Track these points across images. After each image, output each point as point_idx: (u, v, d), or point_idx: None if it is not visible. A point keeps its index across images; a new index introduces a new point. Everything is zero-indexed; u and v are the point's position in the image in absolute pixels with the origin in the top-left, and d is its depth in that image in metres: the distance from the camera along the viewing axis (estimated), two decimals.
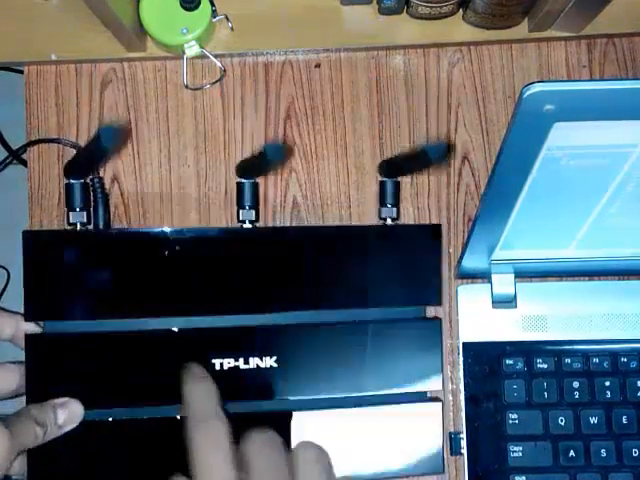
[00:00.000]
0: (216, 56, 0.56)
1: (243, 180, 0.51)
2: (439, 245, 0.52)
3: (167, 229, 0.47)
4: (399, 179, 0.53)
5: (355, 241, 0.49)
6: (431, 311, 0.53)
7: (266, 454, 0.37)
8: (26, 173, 0.56)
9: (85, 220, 0.49)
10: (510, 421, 0.51)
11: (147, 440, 0.45)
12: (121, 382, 0.44)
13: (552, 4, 0.51)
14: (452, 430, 0.52)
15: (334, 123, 0.56)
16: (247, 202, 0.51)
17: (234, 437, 0.37)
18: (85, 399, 0.43)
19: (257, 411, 0.46)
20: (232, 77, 0.57)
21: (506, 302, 0.53)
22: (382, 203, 0.52)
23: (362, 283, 0.49)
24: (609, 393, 0.51)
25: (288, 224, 0.55)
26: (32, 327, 0.45)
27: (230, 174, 0.56)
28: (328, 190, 0.56)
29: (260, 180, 0.56)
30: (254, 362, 0.46)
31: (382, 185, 0.53)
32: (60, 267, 0.45)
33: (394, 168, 0.52)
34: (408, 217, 0.55)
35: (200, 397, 0.39)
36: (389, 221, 0.52)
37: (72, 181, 0.48)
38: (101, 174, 0.56)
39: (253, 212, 0.51)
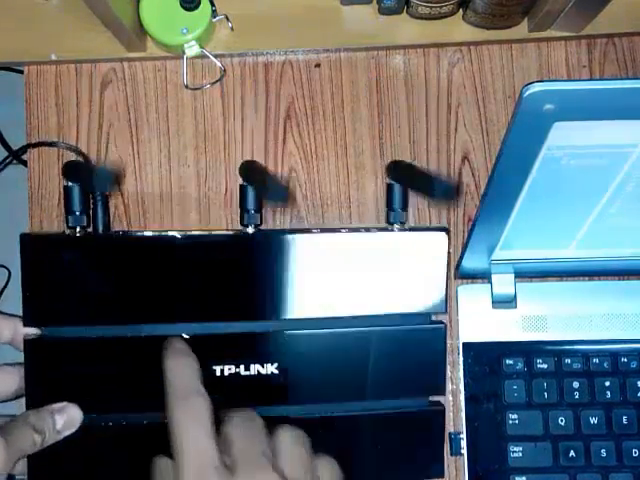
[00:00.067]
0: (216, 56, 0.56)
1: (247, 184, 0.50)
2: (446, 250, 0.50)
3: (167, 234, 0.47)
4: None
5: (360, 247, 0.48)
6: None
7: (247, 433, 0.36)
8: (26, 173, 0.56)
9: (84, 223, 0.48)
10: (510, 421, 0.51)
11: (147, 444, 0.45)
12: (121, 387, 0.44)
13: (552, 4, 0.51)
14: (452, 430, 0.52)
15: (334, 123, 0.56)
16: (251, 206, 0.49)
17: (215, 421, 0.37)
18: (84, 403, 0.43)
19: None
20: (232, 77, 0.57)
21: (506, 302, 0.53)
22: (390, 206, 0.50)
23: (367, 289, 0.48)
24: (609, 393, 0.51)
25: (288, 224, 0.55)
26: (31, 330, 0.45)
27: (230, 174, 0.56)
28: (328, 190, 0.56)
29: None
30: (255, 369, 0.45)
31: (390, 188, 0.51)
32: (59, 272, 0.44)
33: (402, 176, 0.50)
34: (408, 217, 0.55)
35: (181, 373, 0.38)
36: (397, 225, 0.50)
37: (70, 184, 0.47)
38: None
39: (258, 216, 0.49)
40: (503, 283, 0.52)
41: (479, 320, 0.53)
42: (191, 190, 0.56)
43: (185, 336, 0.44)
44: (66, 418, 0.41)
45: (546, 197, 0.44)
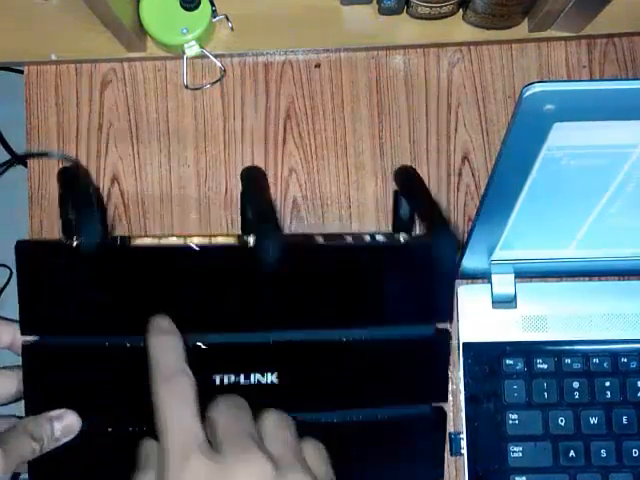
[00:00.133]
0: (216, 56, 0.56)
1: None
2: (454, 260, 0.49)
3: (166, 243, 0.45)
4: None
5: (366, 258, 0.44)
6: None
7: (232, 416, 0.36)
8: (26, 173, 0.56)
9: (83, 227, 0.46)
10: (510, 421, 0.51)
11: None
12: (119, 394, 0.44)
13: (552, 4, 0.51)
14: (452, 430, 0.52)
15: (334, 123, 0.56)
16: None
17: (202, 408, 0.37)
18: (83, 409, 0.43)
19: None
20: (232, 77, 0.57)
21: (506, 302, 0.53)
22: (396, 214, 0.47)
23: (370, 301, 0.47)
24: (609, 393, 0.51)
25: (288, 224, 0.55)
26: (29, 336, 0.45)
27: (230, 174, 0.56)
28: (328, 190, 0.56)
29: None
30: (255, 378, 0.45)
31: (397, 195, 0.47)
32: (55, 279, 0.43)
33: (405, 193, 0.46)
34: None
35: (165, 352, 0.38)
36: (403, 235, 0.46)
37: (66, 191, 0.46)
38: (100, 177, 0.56)
39: None
40: (503, 283, 0.52)
41: (479, 320, 0.53)
42: (191, 190, 0.56)
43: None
44: (64, 425, 0.41)
45: (546, 197, 0.44)
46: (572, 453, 0.51)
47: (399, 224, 0.47)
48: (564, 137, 0.39)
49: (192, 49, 0.54)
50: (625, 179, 0.43)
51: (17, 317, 0.45)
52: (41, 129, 0.56)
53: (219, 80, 0.57)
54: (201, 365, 0.41)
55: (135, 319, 0.42)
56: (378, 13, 0.55)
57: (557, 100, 0.36)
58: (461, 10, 0.54)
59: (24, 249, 0.42)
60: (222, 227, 0.55)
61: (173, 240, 0.44)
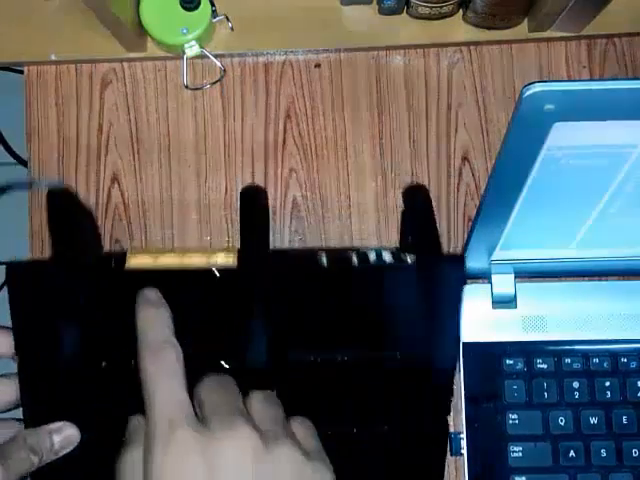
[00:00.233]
0: (216, 56, 0.56)
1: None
2: (463, 280, 0.46)
3: (162, 264, 0.44)
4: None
5: (369, 279, 0.42)
6: None
7: (220, 392, 0.36)
8: (26, 173, 0.56)
9: (73, 251, 0.43)
10: (510, 421, 0.51)
11: None
12: (118, 405, 0.43)
13: (552, 4, 0.51)
14: (452, 430, 0.52)
15: (334, 123, 0.56)
16: None
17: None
18: (82, 422, 0.42)
19: None
20: (232, 77, 0.57)
21: (506, 302, 0.53)
22: (404, 234, 0.46)
23: (375, 320, 0.42)
24: (609, 393, 0.51)
25: (288, 224, 0.55)
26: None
27: (230, 174, 0.56)
28: (328, 190, 0.56)
29: (260, 180, 0.56)
30: None
31: (405, 215, 0.46)
32: (48, 301, 0.43)
33: (409, 215, 0.45)
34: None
35: (152, 324, 0.37)
36: (410, 255, 0.43)
37: (56, 215, 0.44)
38: (100, 177, 0.56)
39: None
40: (503, 283, 0.52)
41: (479, 320, 0.53)
42: (191, 190, 0.56)
43: None
44: (63, 437, 0.41)
45: (546, 197, 0.44)
46: (572, 453, 0.51)
47: (406, 243, 0.46)
48: (564, 137, 0.39)
49: (192, 49, 0.54)
50: (625, 179, 0.43)
51: None
52: (41, 129, 0.56)
53: (219, 80, 0.57)
54: (196, 378, 0.40)
55: (128, 340, 0.41)
56: (378, 13, 0.55)
57: (557, 100, 0.36)
58: (461, 10, 0.54)
59: (16, 271, 0.41)
60: (222, 227, 0.55)
61: (169, 259, 0.42)
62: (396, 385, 0.43)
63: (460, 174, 0.56)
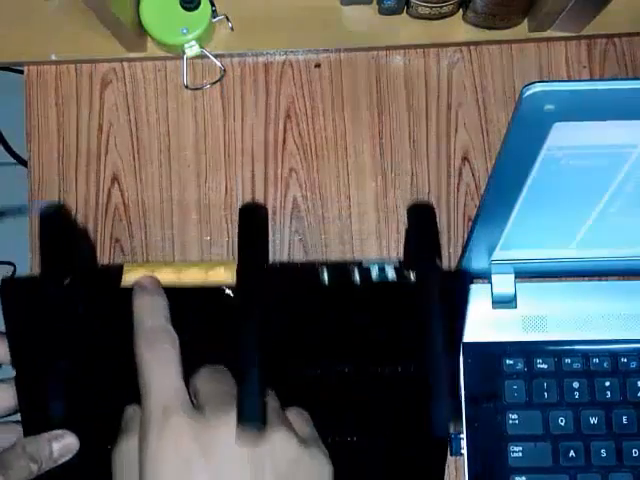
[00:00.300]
0: (216, 56, 0.56)
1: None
2: (468, 296, 0.47)
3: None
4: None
5: (372, 297, 0.42)
6: None
7: (215, 381, 0.36)
8: (26, 173, 0.56)
9: (67, 270, 0.42)
10: (510, 421, 0.51)
11: None
12: (115, 411, 0.43)
13: (552, 4, 0.51)
14: (452, 430, 0.52)
15: (334, 123, 0.56)
16: None
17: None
18: (81, 430, 0.42)
19: None
20: (232, 77, 0.57)
21: (506, 302, 0.53)
22: (408, 251, 0.44)
23: (379, 337, 0.42)
24: (609, 393, 0.51)
25: (288, 224, 0.55)
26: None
27: (230, 174, 0.56)
28: (328, 190, 0.56)
29: (260, 180, 0.56)
30: None
31: (409, 234, 0.44)
32: (42, 317, 0.42)
33: (411, 234, 0.43)
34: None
35: (148, 312, 0.37)
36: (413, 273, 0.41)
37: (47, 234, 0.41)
38: (100, 177, 0.56)
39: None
40: (503, 283, 0.52)
41: (479, 320, 0.53)
42: (191, 190, 0.56)
43: None
44: (62, 445, 0.41)
45: (546, 197, 0.44)
46: (572, 453, 0.51)
47: (408, 261, 0.43)
48: (564, 137, 0.39)
49: (192, 49, 0.54)
50: (625, 179, 0.43)
51: None
52: (41, 129, 0.56)
53: (219, 80, 0.57)
54: None
55: (124, 356, 0.41)
56: (378, 13, 0.55)
57: (557, 100, 0.36)
58: (461, 10, 0.54)
59: (9, 287, 0.41)
60: (222, 227, 0.55)
61: (166, 275, 0.41)
62: (398, 395, 0.43)
63: (460, 174, 0.56)
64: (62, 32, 0.55)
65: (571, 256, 0.51)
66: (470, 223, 0.55)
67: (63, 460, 0.41)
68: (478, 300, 0.53)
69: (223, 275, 0.41)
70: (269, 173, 0.56)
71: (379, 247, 0.55)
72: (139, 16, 0.53)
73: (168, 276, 0.41)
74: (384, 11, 0.54)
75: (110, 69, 0.57)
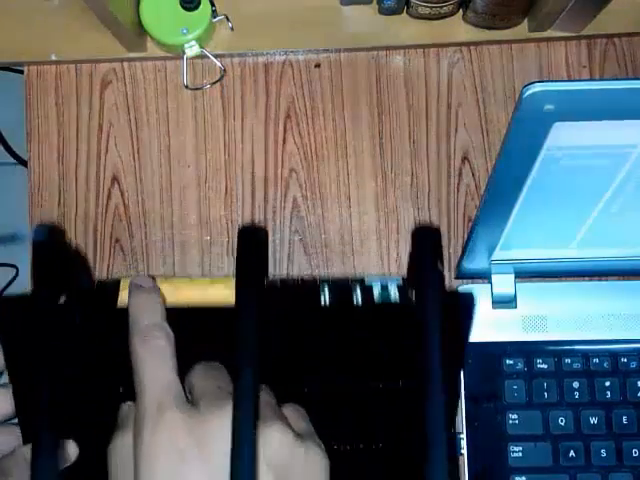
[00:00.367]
0: (216, 56, 0.56)
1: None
2: (472, 319, 0.45)
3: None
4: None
5: (372, 318, 0.41)
6: None
7: (209, 377, 0.36)
8: (26, 173, 0.56)
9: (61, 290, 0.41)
10: (510, 421, 0.51)
11: None
12: (109, 419, 0.43)
13: (552, 4, 0.51)
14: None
15: (334, 123, 0.56)
16: None
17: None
18: (79, 437, 0.42)
19: None
20: (232, 77, 0.57)
21: (506, 302, 0.53)
22: (412, 279, 0.42)
23: (381, 357, 0.41)
24: (609, 393, 0.51)
25: (288, 224, 0.55)
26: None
27: (230, 174, 0.56)
28: (328, 190, 0.56)
29: (260, 180, 0.56)
30: None
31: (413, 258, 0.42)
32: (38, 337, 0.42)
33: (414, 259, 0.41)
34: (408, 217, 0.55)
35: (143, 309, 0.37)
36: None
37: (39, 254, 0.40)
38: (100, 177, 0.56)
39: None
40: (503, 283, 0.52)
41: (479, 320, 0.53)
42: (191, 190, 0.56)
43: None
44: (62, 454, 0.41)
45: (546, 197, 0.44)
46: (572, 453, 0.51)
47: (411, 283, 0.42)
48: (564, 137, 0.39)
49: (192, 49, 0.54)
50: (625, 179, 0.43)
51: None
52: (41, 129, 0.56)
53: (219, 80, 0.57)
54: None
55: (121, 374, 0.40)
56: (378, 13, 0.55)
57: (557, 100, 0.36)
58: (461, 10, 0.54)
59: (5, 306, 0.41)
60: (222, 227, 0.55)
61: (164, 292, 0.40)
62: (398, 408, 0.43)
63: (460, 174, 0.56)
64: (62, 32, 0.55)
65: (571, 256, 0.51)
66: (470, 223, 0.55)
67: (61, 467, 0.41)
68: (478, 300, 0.53)
69: (223, 292, 0.40)
70: (269, 173, 0.56)
71: (379, 247, 0.55)
72: (139, 16, 0.53)
73: (166, 294, 0.40)
74: (384, 11, 0.54)
75: (110, 69, 0.57)
